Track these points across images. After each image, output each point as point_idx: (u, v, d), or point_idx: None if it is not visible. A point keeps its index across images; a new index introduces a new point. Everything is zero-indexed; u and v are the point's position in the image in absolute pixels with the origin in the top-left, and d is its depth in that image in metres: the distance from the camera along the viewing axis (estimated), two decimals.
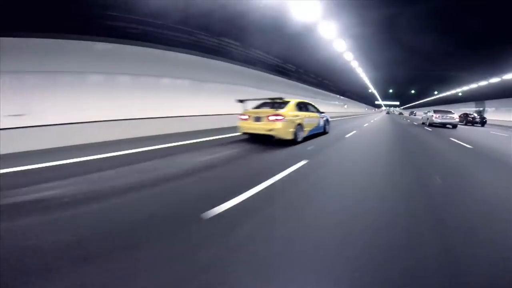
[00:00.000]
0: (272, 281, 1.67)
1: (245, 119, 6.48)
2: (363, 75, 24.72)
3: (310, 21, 9.61)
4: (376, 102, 54.49)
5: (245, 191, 3.05)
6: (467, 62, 16.36)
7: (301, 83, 19.06)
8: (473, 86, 26.58)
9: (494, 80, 21.97)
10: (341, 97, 33.59)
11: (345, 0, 8.65)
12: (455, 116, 17.27)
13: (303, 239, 2.11)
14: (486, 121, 23.30)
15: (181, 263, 1.77)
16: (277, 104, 6.59)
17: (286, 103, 6.62)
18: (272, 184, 3.38)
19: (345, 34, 11.75)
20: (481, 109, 31.42)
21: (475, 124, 23.00)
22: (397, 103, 50.93)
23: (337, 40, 12.37)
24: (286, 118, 6.13)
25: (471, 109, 31.46)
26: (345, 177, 3.94)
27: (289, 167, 4.20)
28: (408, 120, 27.49)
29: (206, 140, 6.82)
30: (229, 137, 7.53)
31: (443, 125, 17.16)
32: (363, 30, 11.40)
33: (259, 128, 6.22)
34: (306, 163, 4.56)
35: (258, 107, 6.99)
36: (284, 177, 3.71)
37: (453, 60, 16.30)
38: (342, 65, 17.95)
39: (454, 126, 17.01)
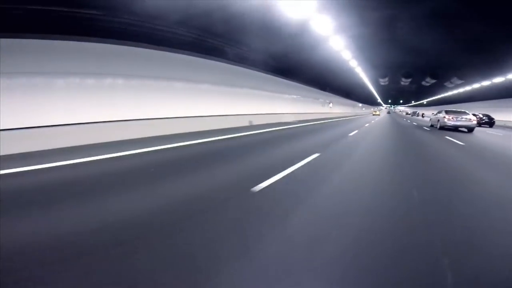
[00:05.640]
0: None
1: (373, 112, 55.23)
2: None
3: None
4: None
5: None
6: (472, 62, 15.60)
7: None
8: (476, 86, 25.96)
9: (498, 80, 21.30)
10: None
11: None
12: (472, 118, 14.70)
13: None
14: (494, 122, 22.55)
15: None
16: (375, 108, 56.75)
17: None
18: None
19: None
20: None
21: (482, 125, 22.25)
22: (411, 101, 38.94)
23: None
24: (378, 112, 58.09)
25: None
26: None
27: None
28: (414, 123, 22.94)
29: None
30: None
31: (455, 128, 14.65)
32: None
33: (375, 113, 52.75)
34: None
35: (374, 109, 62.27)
36: None
37: (457, 59, 15.65)
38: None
39: (470, 130, 14.47)
